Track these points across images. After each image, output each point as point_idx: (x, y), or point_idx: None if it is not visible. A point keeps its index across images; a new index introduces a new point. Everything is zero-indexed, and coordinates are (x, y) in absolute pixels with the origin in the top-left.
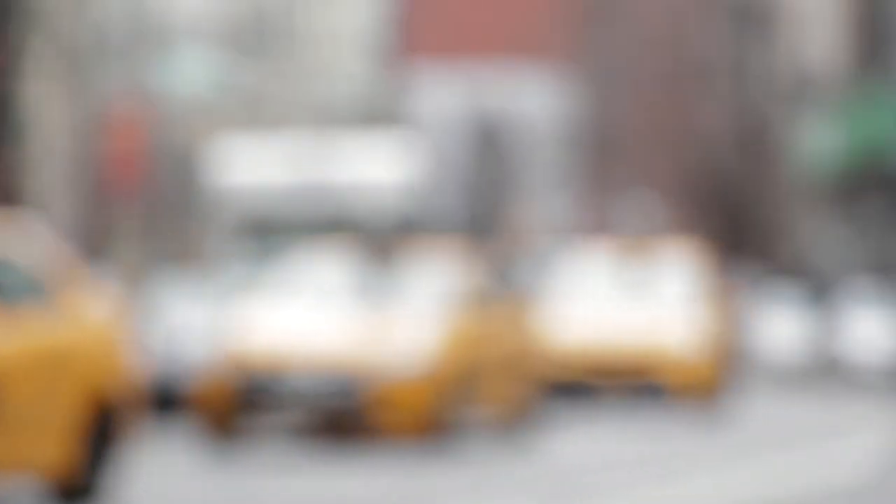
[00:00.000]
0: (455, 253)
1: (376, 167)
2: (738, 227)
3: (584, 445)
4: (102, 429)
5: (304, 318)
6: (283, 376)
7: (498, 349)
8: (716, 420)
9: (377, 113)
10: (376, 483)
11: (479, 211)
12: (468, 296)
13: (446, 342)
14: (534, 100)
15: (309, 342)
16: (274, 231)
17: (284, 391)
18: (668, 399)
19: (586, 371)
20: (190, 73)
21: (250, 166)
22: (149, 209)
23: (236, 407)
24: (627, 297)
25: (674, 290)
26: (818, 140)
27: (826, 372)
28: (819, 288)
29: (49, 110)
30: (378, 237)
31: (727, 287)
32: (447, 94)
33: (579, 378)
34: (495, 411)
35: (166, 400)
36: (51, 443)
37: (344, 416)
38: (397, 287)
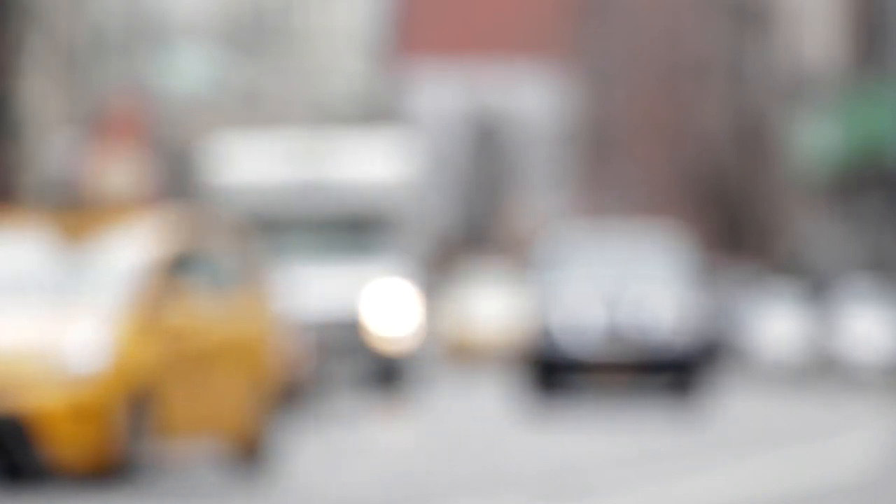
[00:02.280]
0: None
1: (374, 165)
2: (736, 225)
3: None
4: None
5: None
6: None
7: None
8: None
9: (375, 110)
10: None
11: (476, 207)
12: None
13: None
14: (531, 97)
15: None
16: (271, 229)
17: None
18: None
19: None
20: (188, 70)
21: (248, 164)
22: (146, 206)
23: None
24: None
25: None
26: (816, 138)
27: (823, 370)
28: (816, 286)
29: (47, 108)
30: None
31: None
32: (445, 92)
33: None
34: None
35: None
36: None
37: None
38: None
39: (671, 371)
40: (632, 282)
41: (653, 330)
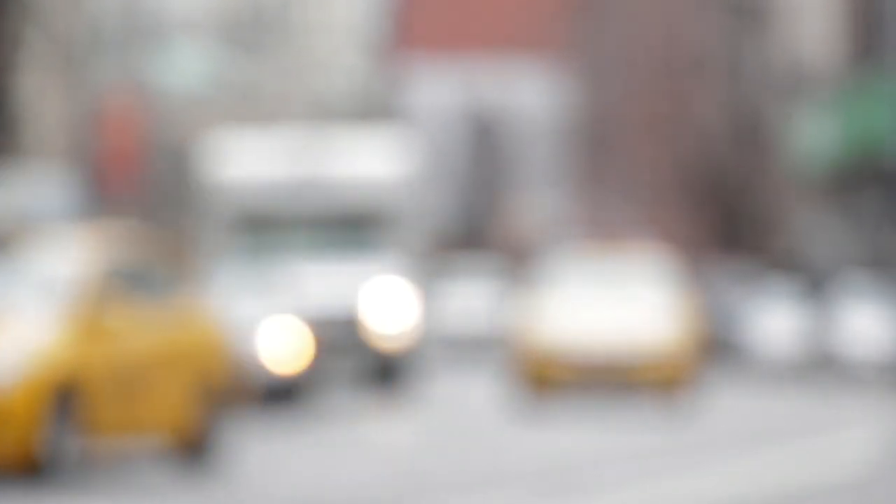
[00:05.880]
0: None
1: (372, 161)
2: (733, 221)
3: None
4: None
5: None
6: None
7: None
8: None
9: (373, 107)
10: None
11: (474, 205)
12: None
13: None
14: (529, 94)
15: None
16: (269, 226)
17: None
18: None
19: None
20: (185, 67)
21: (246, 161)
22: (144, 203)
23: None
24: None
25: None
26: (813, 133)
27: (821, 366)
28: (814, 282)
29: (45, 104)
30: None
31: None
32: (443, 88)
33: None
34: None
35: None
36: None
37: None
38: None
39: None
40: None
41: None
